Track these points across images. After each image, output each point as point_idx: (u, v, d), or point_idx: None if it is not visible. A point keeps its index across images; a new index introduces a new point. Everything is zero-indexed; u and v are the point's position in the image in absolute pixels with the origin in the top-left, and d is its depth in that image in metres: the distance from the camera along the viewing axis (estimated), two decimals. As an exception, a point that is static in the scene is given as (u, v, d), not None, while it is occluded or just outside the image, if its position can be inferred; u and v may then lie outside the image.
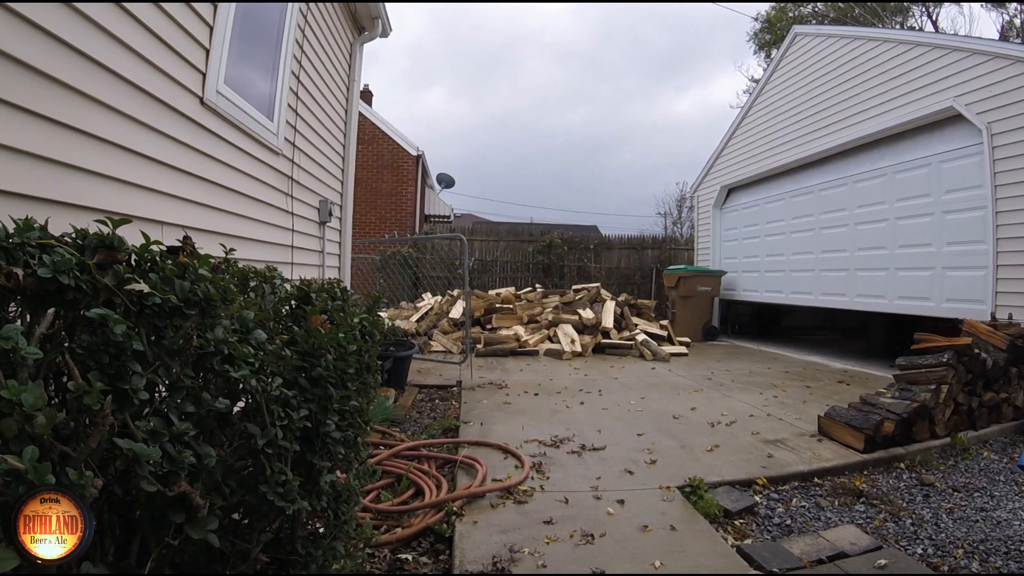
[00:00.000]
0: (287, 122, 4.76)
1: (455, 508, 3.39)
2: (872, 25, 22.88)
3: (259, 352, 1.56)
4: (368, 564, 2.87)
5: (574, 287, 13.06)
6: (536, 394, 6.79)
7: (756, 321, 13.87)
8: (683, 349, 10.75)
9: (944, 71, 8.05)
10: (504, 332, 10.74)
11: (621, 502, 3.60)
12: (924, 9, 25.46)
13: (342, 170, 6.55)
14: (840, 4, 25.43)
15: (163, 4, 2.91)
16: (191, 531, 1.27)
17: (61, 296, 1.18)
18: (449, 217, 21.38)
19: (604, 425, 5.40)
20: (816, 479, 4.22)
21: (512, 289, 13.52)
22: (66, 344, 1.22)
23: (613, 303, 11.85)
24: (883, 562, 2.93)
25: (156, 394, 1.36)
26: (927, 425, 4.85)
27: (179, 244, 1.61)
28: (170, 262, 1.39)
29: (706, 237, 15.18)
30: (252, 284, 1.97)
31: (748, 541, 3.24)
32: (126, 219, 1.36)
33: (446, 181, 21.53)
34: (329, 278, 3.54)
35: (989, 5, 23.43)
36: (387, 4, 6.75)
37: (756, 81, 18.53)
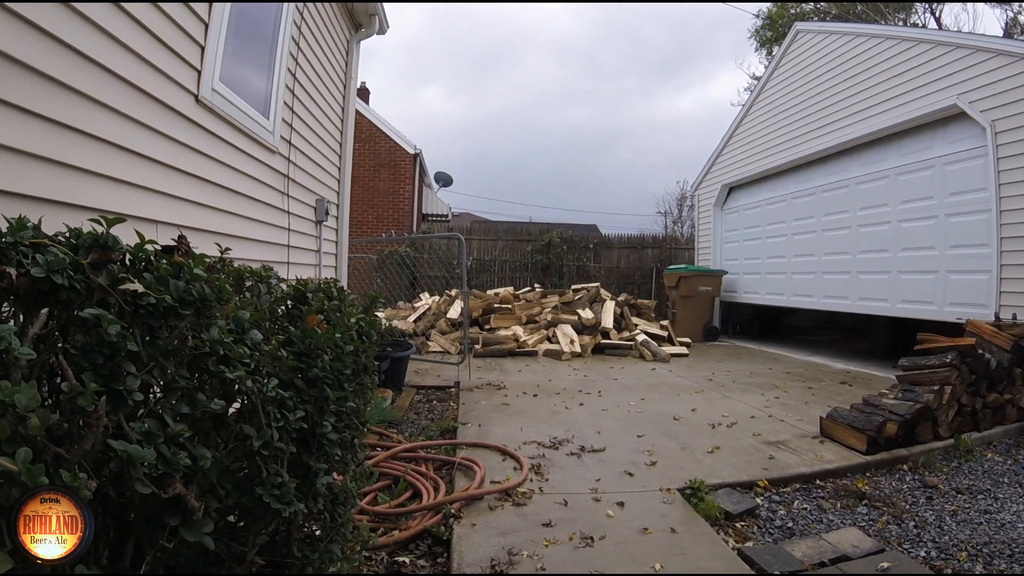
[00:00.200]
0: (283, 120, 4.76)
1: (453, 510, 3.39)
2: (875, 22, 22.91)
3: (255, 353, 1.56)
4: (365, 567, 2.87)
5: (573, 287, 13.05)
6: (535, 395, 6.79)
7: (757, 321, 13.88)
8: (683, 349, 10.76)
9: (947, 68, 8.06)
10: (503, 332, 10.74)
11: (621, 504, 3.60)
12: (927, 6, 25.48)
13: (339, 168, 6.55)
14: (844, 2, 25.45)
15: (158, 2, 2.91)
16: (186, 533, 1.27)
17: (55, 296, 1.18)
18: (447, 216, 21.37)
19: (604, 426, 5.40)
20: (818, 481, 4.22)
21: (511, 289, 13.52)
22: (60, 344, 1.22)
23: (613, 303, 11.85)
24: (886, 565, 2.93)
25: (151, 395, 1.36)
26: (930, 426, 4.85)
27: (174, 243, 1.61)
28: (165, 262, 1.39)
29: (707, 236, 15.18)
30: (248, 284, 1.98)
31: (749, 543, 3.25)
32: (120, 218, 1.36)
33: (444, 180, 21.53)
34: (326, 278, 3.54)
35: (993, 3, 23.47)
36: (385, 2, 6.76)
37: (757, 79, 18.55)
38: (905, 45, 8.91)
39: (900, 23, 24.58)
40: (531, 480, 3.99)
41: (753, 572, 2.88)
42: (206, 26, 3.42)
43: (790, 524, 3.52)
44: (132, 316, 1.28)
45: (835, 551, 3.06)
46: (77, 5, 2.32)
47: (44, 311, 1.21)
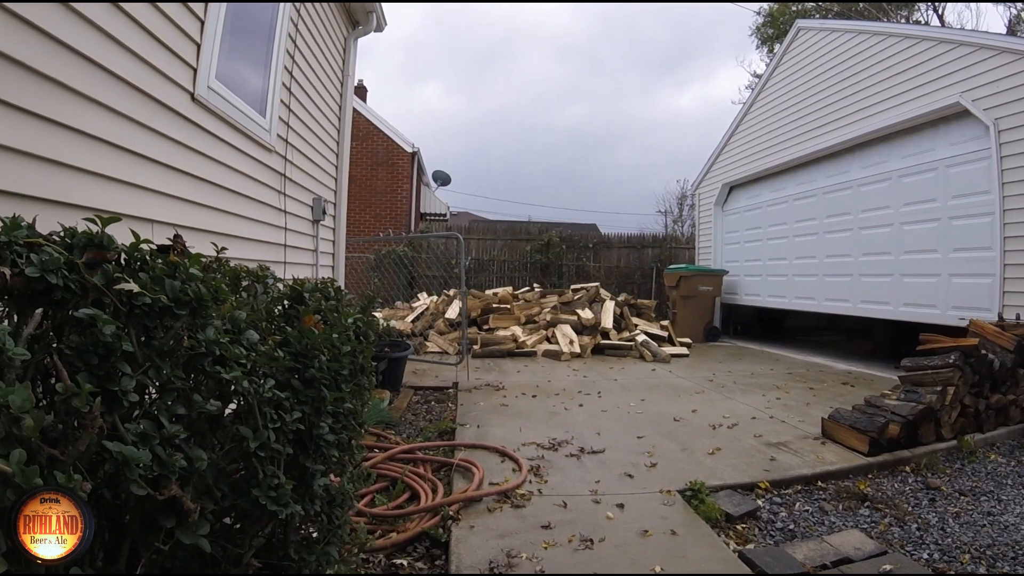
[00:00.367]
0: (280, 118, 4.76)
1: (451, 512, 3.39)
2: (877, 19, 22.93)
3: (251, 353, 1.56)
4: (363, 569, 2.87)
5: (573, 287, 13.06)
6: (534, 396, 6.80)
7: (758, 322, 13.88)
8: (684, 350, 10.76)
9: (950, 66, 8.06)
10: (501, 333, 10.74)
11: (621, 506, 3.60)
12: (930, 4, 25.50)
13: (336, 167, 6.55)
14: (846, 1, 25.46)
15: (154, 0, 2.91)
16: (182, 536, 1.27)
17: (49, 296, 1.18)
18: (445, 215, 21.36)
19: (603, 427, 5.40)
20: (820, 483, 4.22)
21: (509, 289, 13.52)
22: (54, 345, 1.22)
23: (612, 303, 11.86)
24: (888, 567, 2.94)
25: (146, 396, 1.36)
26: (933, 427, 4.86)
27: (169, 243, 1.61)
28: (160, 261, 1.39)
29: (707, 236, 15.19)
30: (244, 284, 1.98)
31: (750, 546, 3.25)
32: (115, 217, 1.36)
33: (442, 178, 21.52)
34: (323, 277, 3.54)
35: (997, 1, 23.49)
36: (383, 1, 6.75)
37: (758, 76, 18.58)
38: (908, 42, 8.91)
39: (902, 20, 24.61)
40: (530, 482, 3.99)
41: (754, 574, 2.88)
42: (202, 23, 3.42)
43: (791, 526, 3.52)
44: (127, 316, 1.28)
45: (837, 553, 3.07)
46: (72, 3, 2.32)
47: (39, 311, 1.21)
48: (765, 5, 27.87)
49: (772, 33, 27.49)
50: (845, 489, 4.07)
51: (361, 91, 19.99)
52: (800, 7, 27.02)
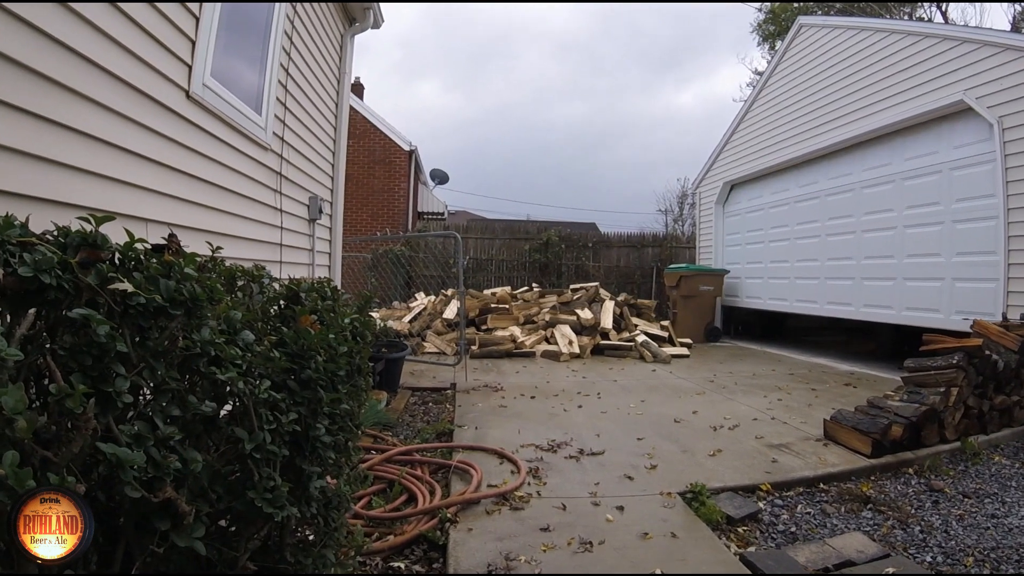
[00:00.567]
0: (276, 116, 4.76)
1: (449, 515, 3.39)
2: (879, 16, 22.93)
3: (247, 354, 1.56)
4: (359, 572, 2.87)
5: (572, 286, 13.07)
6: (533, 397, 6.80)
7: (760, 322, 13.88)
8: (684, 350, 10.77)
9: (954, 63, 8.07)
10: (500, 333, 10.75)
11: (620, 508, 3.60)
12: (934, 1, 25.51)
13: (332, 166, 6.55)
14: (848, 1, 25.45)
15: (147, -7, 2.91)
16: (176, 538, 1.27)
17: (42, 296, 1.18)
18: (443, 214, 21.37)
19: (603, 429, 5.41)
20: (822, 485, 4.23)
21: (508, 289, 13.54)
22: (48, 345, 1.22)
23: (612, 303, 11.87)
24: (891, 570, 2.94)
25: (140, 397, 1.36)
26: (936, 429, 4.87)
27: (164, 242, 1.61)
28: (155, 261, 1.39)
29: (708, 235, 15.19)
30: (239, 283, 1.97)
31: (751, 549, 3.25)
32: (109, 216, 1.36)
33: (440, 177, 21.53)
34: (319, 277, 3.54)
35: (1001, -2, 23.51)
36: (380, 1, 6.75)
37: (760, 74, 18.57)
38: (911, 39, 8.92)
39: (905, 17, 24.62)
40: (529, 484, 3.99)
41: (755, 577, 2.88)
42: (197, 20, 3.42)
43: (793, 529, 3.52)
44: (121, 316, 1.28)
45: (839, 556, 3.07)
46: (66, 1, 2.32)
47: (32, 311, 1.21)
48: (767, 4, 27.89)
49: (774, 30, 27.48)
50: (847, 491, 4.07)
51: (358, 89, 19.97)
52: (802, 3, 27.05)
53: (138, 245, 1.39)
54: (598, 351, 10.54)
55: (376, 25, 6.90)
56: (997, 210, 7.44)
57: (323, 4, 5.83)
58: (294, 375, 1.75)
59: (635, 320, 11.84)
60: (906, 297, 9.00)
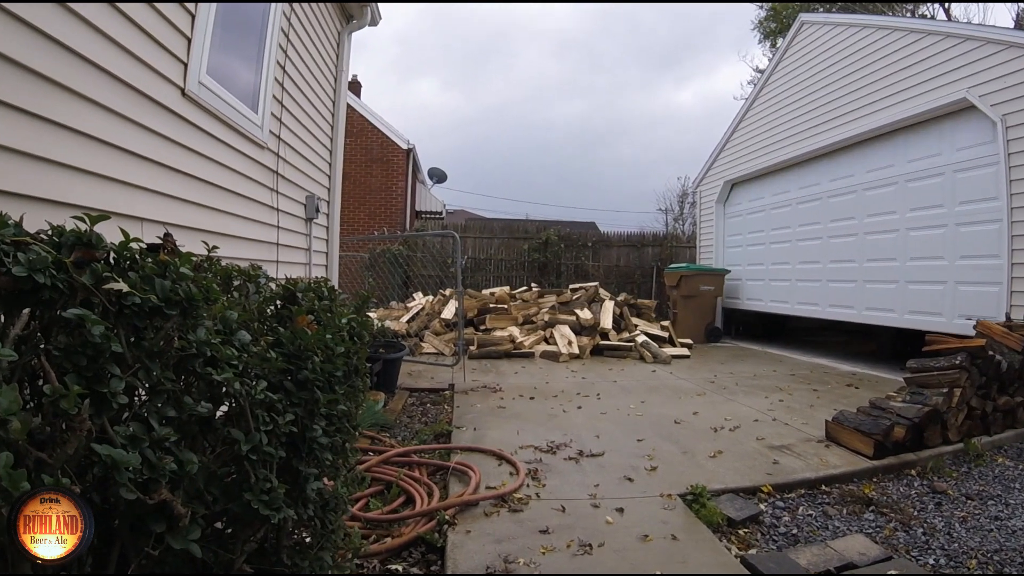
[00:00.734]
0: (272, 114, 4.76)
1: (447, 517, 3.39)
2: (882, 14, 22.95)
3: (243, 354, 1.56)
4: (357, 575, 2.87)
5: (571, 286, 13.08)
6: (532, 398, 6.80)
7: (761, 322, 13.89)
8: (685, 351, 10.77)
9: (957, 61, 8.08)
10: (498, 333, 10.75)
11: (620, 510, 3.60)
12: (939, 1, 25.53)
13: (330, 164, 6.55)
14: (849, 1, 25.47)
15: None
16: (172, 541, 1.27)
17: (37, 296, 1.18)
18: (441, 213, 21.39)
19: (602, 430, 5.41)
20: (824, 486, 4.23)
21: (507, 288, 13.55)
22: (42, 346, 1.22)
23: (612, 303, 11.87)
24: (893, 573, 2.94)
25: (136, 398, 1.36)
26: (939, 430, 4.87)
27: (159, 241, 1.61)
28: (150, 260, 1.39)
29: (709, 234, 15.20)
30: (236, 283, 1.98)
31: (752, 551, 3.25)
32: (104, 215, 1.36)
33: (438, 176, 21.54)
34: (316, 277, 3.54)
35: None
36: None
37: (761, 72, 18.57)
38: (913, 37, 8.92)
39: (908, 14, 24.64)
40: (528, 485, 3.99)
41: (756, 580, 2.89)
42: (192, 17, 3.41)
43: (795, 531, 3.53)
44: (116, 316, 1.28)
45: (841, 559, 3.07)
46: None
47: (26, 311, 1.21)
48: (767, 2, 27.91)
49: (775, 27, 27.52)
50: (849, 493, 4.08)
51: (355, 87, 19.99)
52: (803, 3, 27.07)
53: (133, 244, 1.39)
54: (598, 351, 10.53)
55: (374, 22, 6.90)
56: (1001, 213, 7.45)
57: (320, 3, 5.82)
58: (291, 376, 1.75)
59: (635, 320, 11.85)
60: (909, 300, 9.00)
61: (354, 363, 2.17)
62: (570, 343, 10.27)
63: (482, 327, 11.17)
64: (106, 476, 1.15)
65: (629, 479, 4.17)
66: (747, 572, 2.93)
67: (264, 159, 4.67)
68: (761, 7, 28.41)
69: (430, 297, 12.72)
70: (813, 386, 7.76)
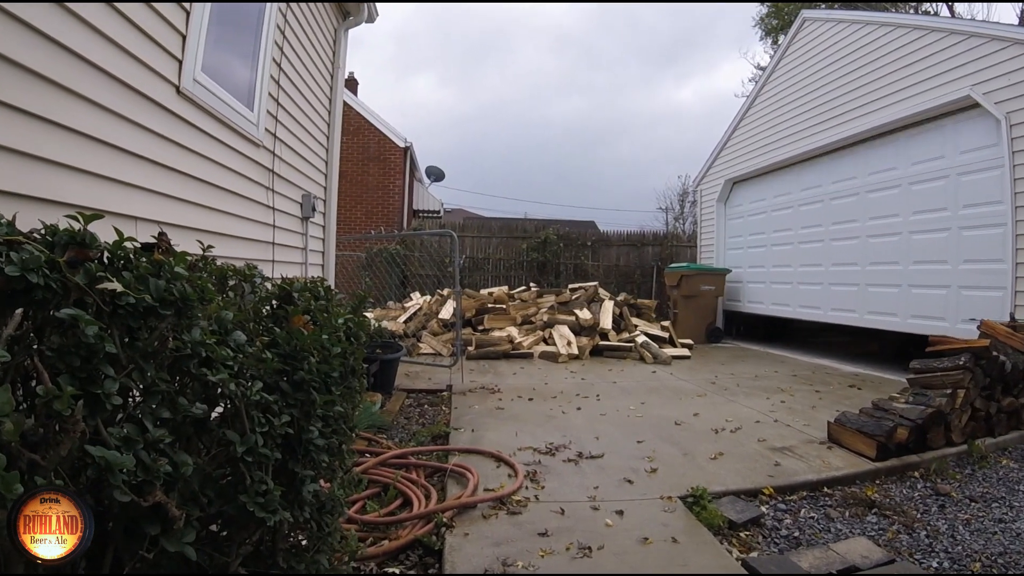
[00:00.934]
0: (268, 112, 4.76)
1: (445, 519, 3.39)
2: (884, 10, 22.97)
3: (238, 355, 1.56)
4: (353, 579, 2.87)
5: (570, 286, 13.08)
6: (530, 399, 6.80)
7: (762, 323, 13.88)
8: (685, 351, 10.78)
9: (961, 58, 8.09)
10: (497, 334, 10.75)
11: (620, 513, 3.61)
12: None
13: (326, 163, 6.55)
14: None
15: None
16: (167, 543, 1.27)
17: (30, 295, 1.18)
18: (439, 212, 21.37)
19: (602, 431, 5.41)
20: (826, 488, 4.24)
21: (505, 288, 13.54)
22: (35, 346, 1.22)
23: (612, 303, 11.87)
24: None
25: (130, 399, 1.36)
26: (943, 432, 4.87)
27: (154, 241, 1.61)
28: (144, 260, 1.39)
29: (710, 233, 15.20)
30: (231, 283, 1.98)
31: (754, 554, 3.26)
32: (98, 214, 1.37)
33: (435, 174, 21.51)
34: (312, 276, 3.54)
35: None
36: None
37: (762, 69, 18.57)
38: (916, 34, 8.93)
39: (911, 11, 24.66)
40: (526, 488, 3.99)
41: (758, 583, 2.89)
42: (187, 14, 3.41)
43: (796, 533, 3.53)
44: (110, 317, 1.28)
45: (843, 561, 3.08)
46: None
47: (19, 311, 1.21)
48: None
49: (776, 24, 27.52)
50: (852, 495, 4.08)
51: (352, 84, 19.98)
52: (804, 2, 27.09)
53: (127, 244, 1.39)
54: (597, 352, 10.53)
55: (370, 19, 6.90)
56: (1005, 217, 7.45)
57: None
58: (287, 377, 1.75)
59: (635, 320, 11.85)
60: (911, 305, 9.00)
61: (351, 364, 2.17)
62: (569, 344, 10.27)
63: (480, 327, 11.17)
64: (100, 478, 1.15)
65: (629, 481, 4.17)
66: (748, 575, 2.94)
67: (260, 157, 4.67)
68: (763, 3, 28.42)
69: (428, 297, 12.71)
70: (815, 387, 7.77)
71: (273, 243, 4.96)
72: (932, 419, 4.79)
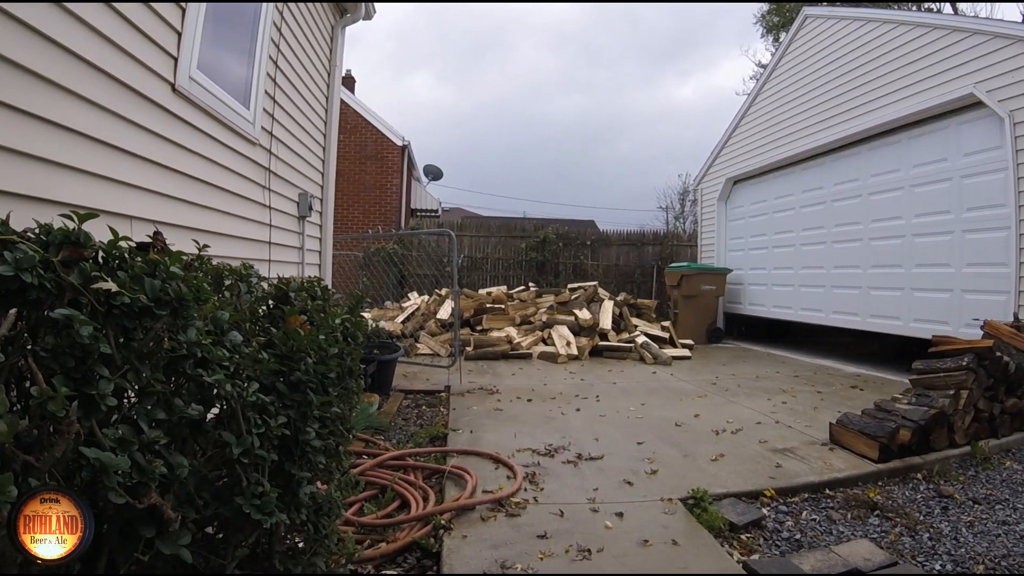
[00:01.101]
0: (264, 110, 4.75)
1: (443, 521, 3.39)
2: (887, 7, 22.99)
3: (234, 355, 1.56)
4: (351, 582, 2.87)
5: (570, 286, 13.09)
6: (529, 400, 6.80)
7: (763, 323, 13.88)
8: (686, 352, 10.78)
9: (964, 56, 8.08)
10: (495, 334, 10.75)
11: (620, 515, 3.61)
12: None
13: (323, 161, 6.55)
14: None
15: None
16: (162, 546, 1.28)
17: (24, 295, 1.18)
18: (437, 211, 21.35)
19: (602, 433, 5.41)
20: (827, 490, 4.24)
21: (504, 288, 13.54)
22: (29, 347, 1.22)
23: (611, 303, 11.87)
24: (897, 578, 2.95)
25: (125, 400, 1.36)
26: (945, 433, 4.87)
27: (149, 240, 1.61)
28: (140, 259, 1.39)
29: (710, 233, 15.19)
30: (227, 283, 1.98)
31: (755, 556, 3.26)
32: (93, 214, 1.37)
33: (433, 173, 21.50)
34: (309, 276, 3.54)
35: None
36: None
37: (763, 66, 18.58)
38: (919, 31, 8.93)
39: (914, 8, 24.68)
40: (525, 489, 3.99)
41: (759, 586, 2.89)
42: (183, 11, 3.41)
43: (798, 536, 3.53)
44: (105, 317, 1.28)
45: (845, 564, 3.08)
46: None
47: (12, 311, 1.21)
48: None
49: (778, 21, 27.54)
50: (854, 497, 4.08)
51: (349, 82, 19.97)
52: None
53: (122, 243, 1.39)
54: (597, 352, 10.53)
55: (368, 16, 6.90)
56: (1009, 220, 7.45)
57: (313, -6, 5.83)
58: (283, 377, 1.75)
59: (635, 320, 11.85)
60: (914, 308, 9.01)
61: (348, 364, 2.17)
62: (568, 344, 10.27)
63: (479, 327, 11.17)
64: (94, 480, 1.15)
65: (629, 483, 4.17)
66: (749, 578, 2.95)
67: (256, 156, 4.67)
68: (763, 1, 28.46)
69: (425, 297, 12.72)
70: (817, 388, 7.77)
71: (270, 242, 4.96)
72: (935, 420, 4.79)
